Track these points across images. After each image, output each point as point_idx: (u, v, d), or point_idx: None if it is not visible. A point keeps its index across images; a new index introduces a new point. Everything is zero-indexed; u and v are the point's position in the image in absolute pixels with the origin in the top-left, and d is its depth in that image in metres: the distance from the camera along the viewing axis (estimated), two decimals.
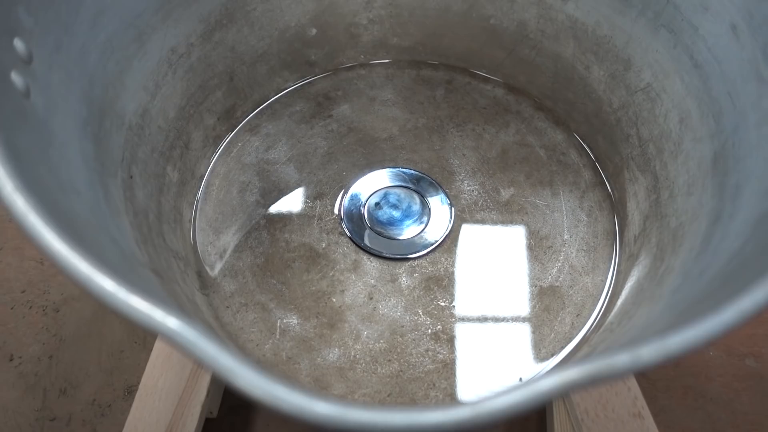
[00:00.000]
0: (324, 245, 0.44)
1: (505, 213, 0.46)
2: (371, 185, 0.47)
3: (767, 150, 0.29)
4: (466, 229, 0.45)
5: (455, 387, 0.38)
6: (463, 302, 0.42)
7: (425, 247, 0.44)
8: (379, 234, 0.44)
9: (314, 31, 0.50)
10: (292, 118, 0.51)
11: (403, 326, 0.41)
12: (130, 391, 0.50)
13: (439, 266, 0.43)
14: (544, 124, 0.50)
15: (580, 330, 0.41)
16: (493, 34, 0.50)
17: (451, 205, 0.46)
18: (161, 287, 0.31)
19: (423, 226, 0.45)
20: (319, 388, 0.38)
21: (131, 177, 0.36)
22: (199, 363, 0.17)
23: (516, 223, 0.45)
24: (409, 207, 0.46)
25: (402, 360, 0.39)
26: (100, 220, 0.27)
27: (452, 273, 0.43)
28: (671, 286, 0.31)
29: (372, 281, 0.42)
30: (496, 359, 0.40)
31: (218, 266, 0.43)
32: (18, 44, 0.26)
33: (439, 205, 0.46)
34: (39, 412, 0.48)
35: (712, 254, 0.29)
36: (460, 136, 0.50)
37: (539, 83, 0.51)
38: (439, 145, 0.49)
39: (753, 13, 0.31)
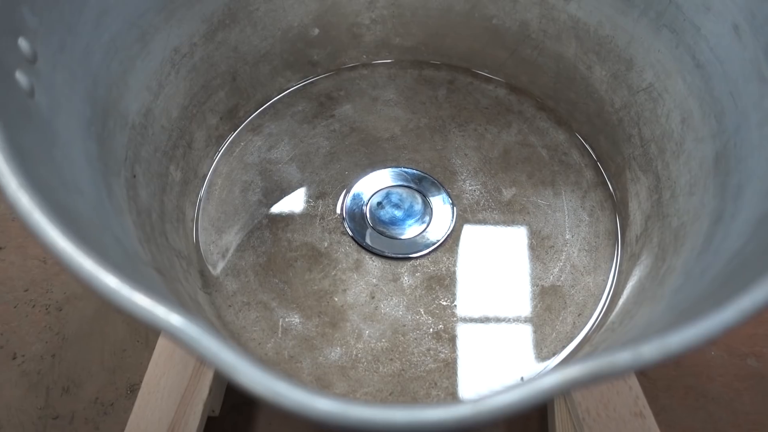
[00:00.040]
0: (326, 244, 0.44)
1: (507, 213, 0.46)
2: (373, 185, 0.47)
3: None
4: (467, 228, 0.45)
5: (457, 386, 0.39)
6: (465, 302, 0.42)
7: (427, 246, 0.44)
8: (381, 233, 0.44)
9: (317, 31, 0.50)
10: (294, 117, 0.51)
11: (404, 325, 0.41)
12: (133, 390, 0.50)
13: (440, 266, 0.43)
14: (546, 124, 0.50)
15: (581, 329, 0.41)
16: (495, 34, 0.50)
17: (452, 204, 0.46)
18: (164, 286, 0.31)
19: (425, 225, 0.45)
20: (321, 386, 0.38)
21: (134, 176, 0.36)
22: (201, 359, 0.17)
23: (518, 223, 0.45)
24: (411, 207, 0.46)
25: (404, 359, 0.39)
26: (103, 219, 0.28)
27: (454, 272, 0.43)
28: (673, 286, 0.31)
29: (374, 280, 0.42)
30: (498, 358, 0.40)
31: (221, 265, 0.43)
32: (22, 44, 0.26)
33: (440, 204, 0.46)
34: (42, 411, 0.49)
35: (713, 254, 0.29)
36: (462, 136, 0.50)
37: (541, 83, 0.51)
38: (441, 144, 0.49)
39: (755, 12, 0.32)
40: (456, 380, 0.39)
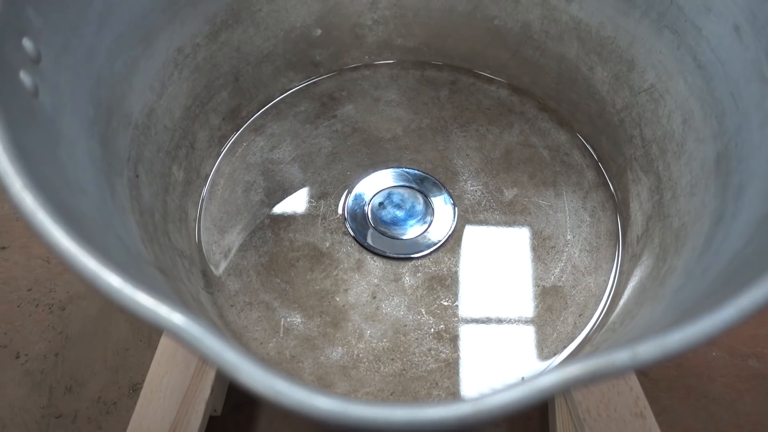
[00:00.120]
0: (328, 245, 0.44)
1: (509, 213, 0.46)
2: (375, 185, 0.47)
3: None
4: (469, 229, 0.45)
5: (458, 386, 0.39)
6: (466, 302, 0.42)
7: (428, 246, 0.44)
8: (383, 234, 0.44)
9: (319, 31, 0.51)
10: (296, 118, 0.51)
11: (406, 325, 0.41)
12: (135, 389, 0.50)
13: (442, 266, 0.43)
14: (547, 125, 0.50)
15: (582, 330, 0.41)
16: (497, 35, 0.50)
17: (454, 205, 0.46)
18: (166, 285, 0.31)
19: (426, 225, 0.45)
20: (323, 386, 0.38)
21: (137, 176, 0.36)
22: (204, 359, 0.17)
23: (519, 224, 0.45)
24: (413, 207, 0.46)
25: (405, 359, 0.39)
26: (106, 219, 0.28)
27: (455, 273, 0.43)
28: (674, 286, 0.31)
29: (375, 280, 0.43)
30: (499, 358, 0.40)
31: (223, 265, 0.43)
32: (27, 44, 0.26)
33: (442, 205, 0.46)
34: (45, 410, 0.49)
35: (714, 254, 0.29)
36: (464, 136, 0.50)
37: (543, 84, 0.51)
38: (442, 145, 0.49)
39: (756, 14, 0.32)
40: (457, 380, 0.39)
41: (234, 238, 0.44)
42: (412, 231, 0.45)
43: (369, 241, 0.44)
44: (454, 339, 0.40)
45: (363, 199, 0.46)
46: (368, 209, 0.46)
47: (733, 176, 0.32)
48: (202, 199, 0.46)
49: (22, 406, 0.49)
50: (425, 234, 0.45)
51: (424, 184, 0.47)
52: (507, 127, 0.50)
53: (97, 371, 0.51)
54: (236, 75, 0.48)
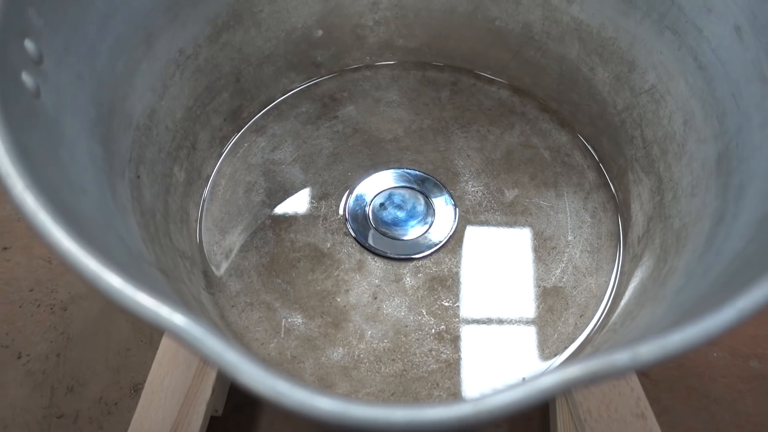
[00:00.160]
0: (329, 245, 0.44)
1: (509, 214, 0.46)
2: (376, 186, 0.47)
3: None
4: (470, 229, 0.45)
5: (459, 387, 0.39)
6: (467, 302, 0.42)
7: (429, 247, 0.44)
8: (384, 234, 0.44)
9: (320, 32, 0.51)
10: (298, 119, 0.51)
11: (407, 326, 0.41)
12: (137, 389, 0.50)
13: (443, 266, 0.43)
14: (548, 126, 0.50)
15: (583, 330, 0.41)
16: (498, 36, 0.50)
17: (455, 205, 0.46)
18: (168, 286, 0.31)
19: (427, 226, 0.45)
20: (324, 387, 0.38)
21: (138, 177, 0.36)
22: (205, 359, 0.17)
23: (520, 224, 0.45)
24: (414, 207, 0.46)
25: (406, 359, 0.40)
26: (107, 219, 0.28)
27: (456, 273, 0.43)
28: (674, 287, 0.31)
29: (376, 281, 0.43)
30: (500, 359, 0.40)
31: (224, 266, 0.43)
32: (29, 45, 0.26)
33: (443, 205, 0.46)
34: (46, 410, 0.49)
35: (715, 255, 0.29)
36: (465, 137, 0.50)
37: (544, 85, 0.51)
38: (443, 146, 0.49)
39: (757, 14, 0.32)
40: (458, 381, 0.39)
41: (235, 239, 0.44)
42: (413, 232, 0.45)
43: (370, 241, 0.44)
44: (455, 339, 0.40)
45: (364, 199, 0.46)
46: (369, 210, 0.46)
47: (734, 176, 0.32)
48: (204, 200, 0.46)
49: (24, 406, 0.49)
50: (426, 235, 0.45)
51: (425, 185, 0.47)
52: (508, 127, 0.50)
53: (99, 371, 0.51)
54: (237, 76, 0.48)
